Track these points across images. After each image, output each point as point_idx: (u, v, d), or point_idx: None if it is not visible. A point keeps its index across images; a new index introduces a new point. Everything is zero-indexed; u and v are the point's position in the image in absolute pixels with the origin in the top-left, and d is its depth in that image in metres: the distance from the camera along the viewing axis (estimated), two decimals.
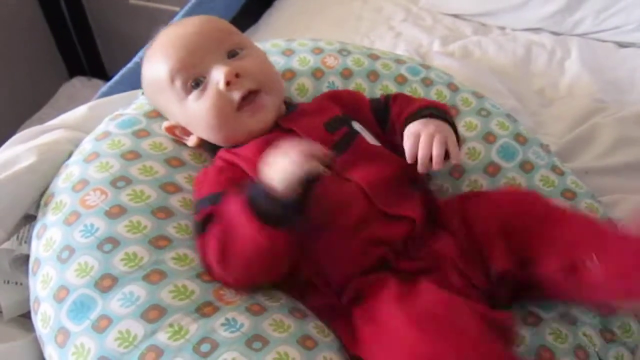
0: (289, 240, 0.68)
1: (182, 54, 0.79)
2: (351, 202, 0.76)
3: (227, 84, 0.77)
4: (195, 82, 0.80)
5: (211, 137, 0.83)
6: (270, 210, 0.66)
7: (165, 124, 0.86)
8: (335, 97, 0.89)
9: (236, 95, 0.79)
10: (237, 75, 0.78)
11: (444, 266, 0.74)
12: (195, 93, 0.80)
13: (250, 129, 0.80)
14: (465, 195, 0.87)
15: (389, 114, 0.88)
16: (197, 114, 0.80)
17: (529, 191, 0.84)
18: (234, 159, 0.80)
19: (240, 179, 0.76)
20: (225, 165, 0.80)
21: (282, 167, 0.65)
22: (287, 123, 0.82)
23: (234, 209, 0.68)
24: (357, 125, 0.84)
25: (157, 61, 0.82)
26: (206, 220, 0.73)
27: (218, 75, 0.78)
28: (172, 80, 0.80)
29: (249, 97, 0.80)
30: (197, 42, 0.80)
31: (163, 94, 0.83)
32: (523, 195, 0.80)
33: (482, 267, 0.75)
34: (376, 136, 0.86)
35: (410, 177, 0.82)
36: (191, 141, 0.85)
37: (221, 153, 0.83)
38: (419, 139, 0.75)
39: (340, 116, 0.84)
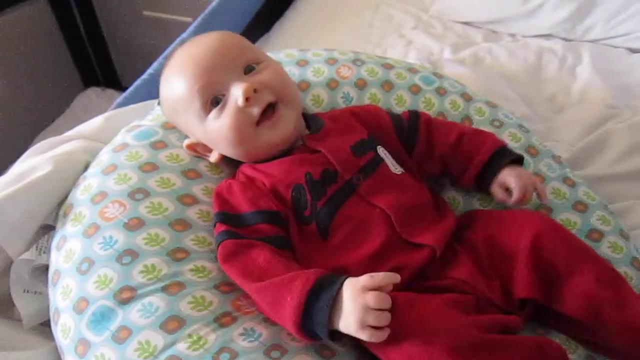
0: None
1: (200, 74, 0.80)
2: (375, 228, 0.76)
3: (247, 100, 0.78)
4: (215, 100, 0.80)
5: (233, 154, 0.84)
6: (317, 335, 0.65)
7: (186, 142, 0.87)
8: (359, 116, 0.89)
9: (255, 111, 0.79)
10: (255, 91, 0.78)
11: (460, 287, 0.74)
12: (214, 111, 0.81)
13: (271, 142, 0.81)
14: (489, 212, 0.87)
15: (416, 137, 0.89)
16: (217, 132, 0.81)
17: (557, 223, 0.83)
18: (259, 176, 0.80)
19: (264, 196, 0.77)
20: (247, 182, 0.81)
21: (360, 322, 0.62)
22: (314, 144, 0.82)
23: (288, 302, 0.65)
24: (381, 151, 0.85)
25: (174, 82, 0.83)
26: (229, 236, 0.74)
27: (237, 92, 0.79)
28: (192, 100, 0.81)
29: (268, 110, 0.80)
30: (214, 60, 0.80)
31: (183, 114, 0.84)
32: (552, 225, 0.79)
33: (501, 288, 0.75)
34: (400, 160, 0.86)
35: (433, 204, 0.83)
36: (213, 157, 0.86)
37: (244, 168, 0.83)
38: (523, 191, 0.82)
39: (366, 139, 0.85)
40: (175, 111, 0.86)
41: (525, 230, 0.75)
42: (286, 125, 0.81)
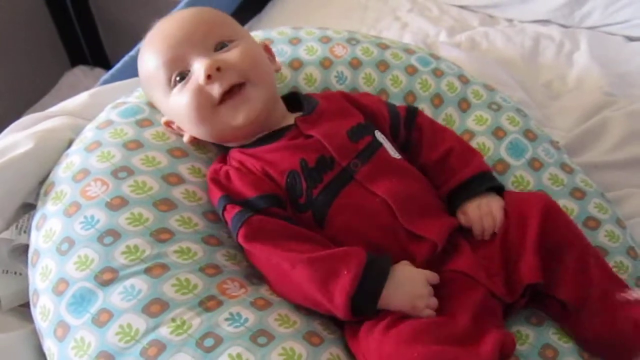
0: None
1: (166, 47, 0.78)
2: (374, 217, 0.74)
3: (208, 77, 0.75)
4: (180, 76, 0.78)
5: (197, 133, 0.81)
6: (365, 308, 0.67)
7: (164, 119, 0.85)
8: (354, 102, 0.86)
9: (216, 90, 0.76)
10: (218, 69, 0.75)
11: (462, 280, 0.72)
12: (178, 87, 0.78)
13: (234, 124, 0.77)
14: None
15: (410, 138, 0.87)
16: (178, 108, 0.78)
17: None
18: (249, 160, 0.77)
19: (263, 180, 0.75)
20: (241, 167, 0.78)
21: (411, 300, 0.67)
22: (307, 128, 0.79)
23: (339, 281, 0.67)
24: (379, 135, 0.82)
25: (146, 56, 0.81)
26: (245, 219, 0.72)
27: (198, 69, 0.76)
28: (158, 74, 0.79)
29: (233, 90, 0.77)
30: (182, 35, 0.78)
31: (153, 90, 0.82)
32: (556, 207, 0.79)
33: (505, 275, 0.74)
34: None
35: (436, 194, 0.82)
36: (185, 137, 0.83)
37: (234, 153, 0.80)
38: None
39: (363, 124, 0.82)
40: (147, 86, 0.84)
41: (532, 215, 0.74)
42: (251, 107, 0.77)
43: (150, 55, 0.80)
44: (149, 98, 0.87)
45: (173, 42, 0.78)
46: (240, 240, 0.71)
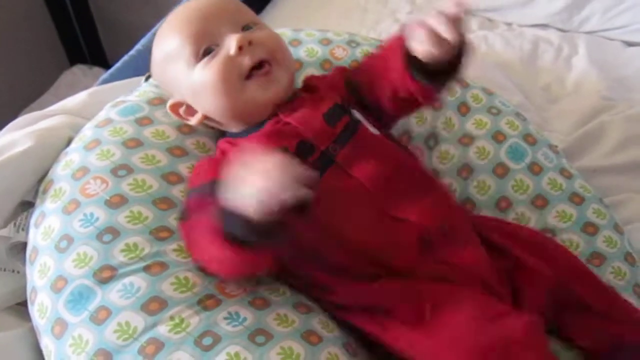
0: (271, 255, 0.65)
1: (196, 20, 0.78)
2: (357, 201, 0.73)
3: (240, 49, 0.75)
4: (207, 50, 0.77)
5: (217, 107, 0.79)
6: (249, 238, 0.59)
7: (170, 101, 0.83)
8: (329, 80, 0.86)
9: (246, 62, 0.76)
10: (250, 43, 0.76)
11: (468, 281, 0.71)
12: (205, 60, 0.77)
13: (259, 100, 0.77)
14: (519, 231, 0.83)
15: (358, 79, 0.84)
16: (204, 80, 0.77)
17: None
18: (233, 150, 0.77)
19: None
20: (220, 157, 0.78)
21: (255, 191, 0.56)
22: (286, 116, 0.78)
23: (206, 232, 0.63)
24: (356, 113, 0.81)
25: (170, 31, 0.80)
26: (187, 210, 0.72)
27: (230, 42, 0.76)
28: (184, 46, 0.78)
29: (261, 66, 0.77)
30: (213, 12, 0.78)
31: (172, 65, 0.80)
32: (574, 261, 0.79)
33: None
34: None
35: (419, 176, 0.79)
36: (195, 119, 0.82)
37: (221, 143, 0.81)
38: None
39: (339, 104, 0.80)
40: (165, 63, 0.81)
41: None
42: (278, 87, 0.78)
43: (175, 30, 0.79)
44: (161, 79, 0.86)
45: (204, 16, 0.78)
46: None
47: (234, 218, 0.57)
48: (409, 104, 0.81)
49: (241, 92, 0.76)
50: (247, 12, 0.83)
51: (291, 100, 0.81)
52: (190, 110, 0.82)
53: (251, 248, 0.60)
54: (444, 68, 0.72)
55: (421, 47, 0.69)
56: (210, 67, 0.76)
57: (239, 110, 0.78)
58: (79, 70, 2.17)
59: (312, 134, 0.76)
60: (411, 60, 0.72)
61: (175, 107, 0.83)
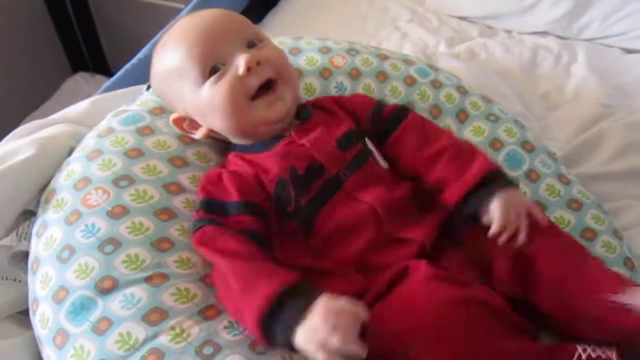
0: None
1: (203, 40, 0.78)
2: (361, 224, 0.74)
3: (248, 69, 0.76)
4: (214, 69, 0.78)
5: (223, 126, 0.80)
6: (274, 337, 0.62)
7: (173, 115, 0.84)
8: (345, 104, 0.87)
9: (254, 82, 0.77)
10: (258, 63, 0.77)
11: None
12: (212, 79, 0.78)
13: (265, 119, 0.78)
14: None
15: (391, 133, 0.84)
16: (211, 100, 0.78)
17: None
18: (245, 167, 0.78)
19: (252, 188, 0.75)
20: (236, 171, 0.78)
21: (312, 350, 0.58)
22: (300, 137, 0.80)
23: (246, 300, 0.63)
24: (369, 143, 0.82)
25: (173, 48, 0.80)
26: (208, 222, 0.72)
27: (239, 61, 0.76)
28: (191, 66, 0.78)
29: (267, 85, 0.78)
30: (218, 30, 0.79)
31: (176, 82, 0.81)
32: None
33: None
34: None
35: (421, 201, 0.81)
36: (200, 133, 0.83)
37: (232, 157, 0.81)
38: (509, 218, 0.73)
39: (354, 130, 0.82)
40: (168, 79, 0.82)
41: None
42: (283, 105, 0.79)
43: (182, 46, 0.79)
44: (162, 92, 0.86)
45: (211, 36, 0.78)
46: (194, 242, 0.72)
47: (285, 331, 0.60)
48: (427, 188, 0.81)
49: (248, 112, 0.78)
50: (251, 27, 0.83)
51: (306, 120, 0.82)
52: (194, 124, 0.83)
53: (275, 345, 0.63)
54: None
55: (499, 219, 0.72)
56: (218, 87, 0.77)
57: (246, 129, 0.80)
58: (81, 77, 2.17)
59: (324, 157, 0.77)
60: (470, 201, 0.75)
61: (178, 122, 0.84)
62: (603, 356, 0.63)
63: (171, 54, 0.80)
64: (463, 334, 0.62)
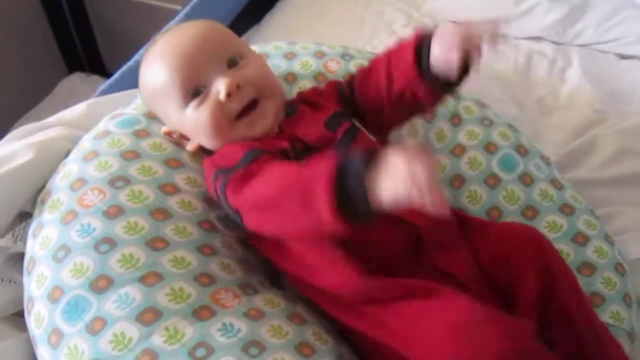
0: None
1: (183, 66, 0.78)
2: None
3: (228, 95, 0.77)
4: (196, 92, 0.79)
5: (209, 145, 0.83)
6: (358, 211, 0.58)
7: (164, 128, 0.86)
8: (325, 93, 0.88)
9: (236, 106, 0.78)
10: (238, 87, 0.77)
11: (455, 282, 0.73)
12: (194, 102, 0.79)
13: (247, 137, 0.79)
14: (483, 224, 0.84)
15: (353, 88, 0.86)
16: (195, 123, 0.80)
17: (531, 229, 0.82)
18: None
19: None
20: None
21: (400, 186, 0.56)
22: (289, 128, 0.81)
23: (314, 182, 0.60)
24: (356, 122, 0.83)
25: (156, 69, 0.81)
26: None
27: (219, 86, 0.77)
28: (172, 90, 0.79)
29: (248, 106, 0.79)
30: (198, 52, 0.79)
31: (161, 102, 0.83)
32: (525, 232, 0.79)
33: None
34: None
35: None
36: (190, 146, 0.85)
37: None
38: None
39: (338, 111, 0.83)
40: (153, 98, 0.84)
41: (531, 269, 0.74)
42: (265, 121, 0.80)
43: (163, 70, 0.80)
44: (150, 108, 0.88)
45: (191, 59, 0.79)
46: (229, 196, 0.70)
47: (362, 193, 0.57)
48: (405, 107, 0.82)
49: (231, 132, 0.79)
50: (232, 42, 0.83)
51: (292, 115, 0.83)
52: (184, 136, 0.85)
53: (351, 222, 0.59)
54: (450, 79, 0.74)
55: (444, 49, 0.71)
56: (201, 111, 0.79)
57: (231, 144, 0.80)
58: (77, 78, 2.18)
59: (315, 140, 0.78)
60: (422, 63, 0.75)
61: (169, 133, 0.85)
62: None
63: (155, 74, 0.81)
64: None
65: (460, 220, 0.82)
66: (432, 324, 0.64)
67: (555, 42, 1.47)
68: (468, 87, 1.10)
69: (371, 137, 0.82)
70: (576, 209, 0.91)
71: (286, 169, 0.67)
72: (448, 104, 1.00)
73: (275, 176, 0.67)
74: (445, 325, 0.63)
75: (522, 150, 0.96)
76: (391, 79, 0.81)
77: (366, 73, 0.86)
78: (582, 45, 1.46)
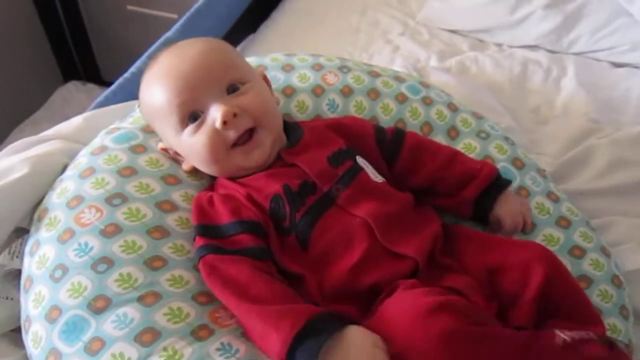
0: None
1: (181, 89, 0.78)
2: (355, 237, 0.75)
3: (224, 123, 0.77)
4: (193, 116, 0.79)
5: (205, 170, 0.83)
6: None
7: (160, 144, 0.86)
8: (339, 127, 0.88)
9: (232, 135, 0.78)
10: (234, 115, 0.77)
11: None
12: (191, 127, 0.79)
13: (244, 166, 0.80)
14: (481, 236, 0.85)
15: (397, 155, 0.89)
16: (191, 148, 0.80)
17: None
18: (236, 187, 0.79)
19: (244, 207, 0.76)
20: (227, 193, 0.79)
21: None
22: (291, 158, 0.82)
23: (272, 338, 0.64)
24: (360, 160, 0.84)
25: (155, 90, 0.81)
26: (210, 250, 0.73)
27: (216, 114, 0.77)
28: (170, 113, 0.79)
29: (244, 135, 0.79)
30: (197, 77, 0.78)
31: (159, 121, 0.83)
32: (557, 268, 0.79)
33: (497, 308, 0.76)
34: (380, 171, 0.86)
35: (416, 210, 0.83)
36: (186, 166, 0.85)
37: (222, 180, 0.83)
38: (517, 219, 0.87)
39: (344, 149, 0.84)
40: (152, 117, 0.84)
41: (532, 271, 0.74)
42: (261, 152, 0.80)
43: (162, 91, 0.80)
44: (149, 123, 0.88)
45: (188, 85, 0.78)
46: (202, 275, 0.72)
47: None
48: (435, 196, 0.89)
49: (227, 160, 0.79)
50: (234, 69, 0.82)
51: (296, 144, 0.84)
52: (180, 154, 0.85)
53: None
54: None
55: (513, 222, 0.87)
56: (197, 137, 0.79)
57: (227, 172, 0.82)
58: (73, 86, 2.18)
59: (316, 174, 0.79)
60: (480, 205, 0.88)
61: (166, 149, 0.86)
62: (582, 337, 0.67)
63: (153, 95, 0.81)
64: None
65: (462, 235, 0.83)
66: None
67: (550, 51, 1.48)
68: (463, 97, 1.12)
69: (374, 177, 0.83)
70: (572, 222, 0.92)
71: (257, 299, 0.68)
72: (446, 117, 1.00)
73: (243, 299, 0.68)
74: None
75: (518, 164, 0.97)
76: (442, 179, 0.88)
77: (420, 155, 0.90)
78: (577, 54, 1.47)
